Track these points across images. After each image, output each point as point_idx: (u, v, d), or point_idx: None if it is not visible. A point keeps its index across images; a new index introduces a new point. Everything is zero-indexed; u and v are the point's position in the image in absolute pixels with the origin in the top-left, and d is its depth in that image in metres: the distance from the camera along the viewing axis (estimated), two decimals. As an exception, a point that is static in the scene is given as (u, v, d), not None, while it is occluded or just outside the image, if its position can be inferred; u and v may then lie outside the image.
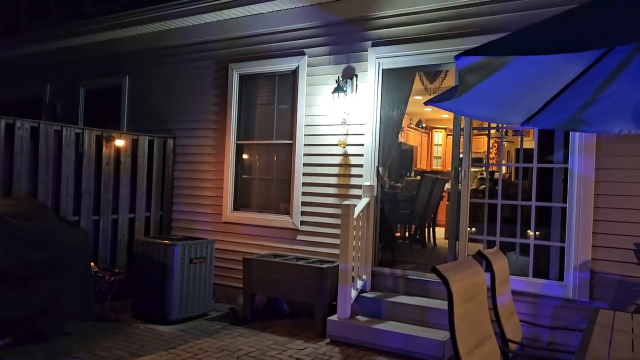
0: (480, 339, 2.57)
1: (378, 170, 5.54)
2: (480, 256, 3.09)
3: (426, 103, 2.93)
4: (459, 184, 5.21)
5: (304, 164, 5.95)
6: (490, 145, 6.18)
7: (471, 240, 5.23)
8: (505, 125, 5.26)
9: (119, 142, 6.26)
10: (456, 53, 2.10)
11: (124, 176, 6.34)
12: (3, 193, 5.13)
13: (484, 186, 6.93)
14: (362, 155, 5.57)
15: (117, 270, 5.64)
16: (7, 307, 4.19)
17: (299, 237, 5.96)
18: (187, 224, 6.80)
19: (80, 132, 5.89)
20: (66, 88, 8.20)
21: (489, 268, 3.04)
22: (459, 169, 5.22)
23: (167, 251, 5.37)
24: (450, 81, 6.15)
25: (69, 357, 4.32)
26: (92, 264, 5.16)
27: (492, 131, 5.80)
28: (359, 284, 5.25)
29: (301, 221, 5.95)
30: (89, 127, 6.05)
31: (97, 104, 7.98)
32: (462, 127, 5.26)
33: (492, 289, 3.01)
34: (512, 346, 3.03)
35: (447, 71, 6.47)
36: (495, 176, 7.62)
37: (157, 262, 5.42)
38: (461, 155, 5.26)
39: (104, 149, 6.11)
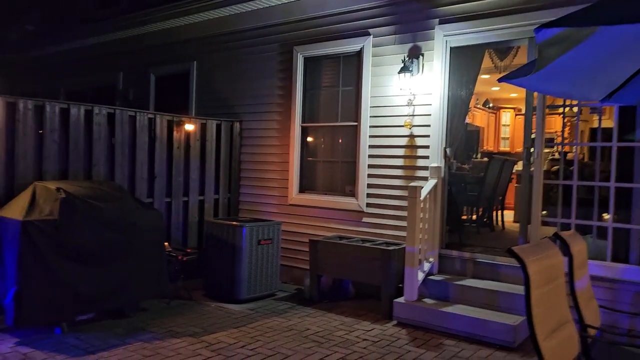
0: (557, 323, 2.47)
1: (445, 151, 5.42)
2: (556, 238, 2.96)
3: (500, 80, 2.81)
4: (531, 165, 5.00)
5: (369, 145, 5.91)
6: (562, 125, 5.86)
7: (544, 223, 5.03)
8: (582, 102, 4.97)
9: (189, 127, 6.46)
10: (529, 27, 2.00)
11: (194, 159, 6.56)
12: (84, 176, 5.45)
13: (556, 167, 6.63)
14: (428, 136, 5.46)
15: (189, 250, 5.87)
16: (89, 284, 4.47)
17: (365, 219, 5.95)
18: (253, 206, 6.96)
19: (153, 117, 6.13)
20: (138, 75, 8.55)
21: (566, 251, 2.91)
22: (531, 149, 5.00)
23: (236, 232, 5.52)
24: (521, 58, 5.87)
25: (146, 332, 4.56)
26: (166, 244, 5.39)
27: (567, 109, 5.50)
28: (426, 266, 5.19)
29: (367, 203, 5.93)
30: (161, 113, 6.28)
31: (166, 89, 8.27)
32: (534, 105, 5.02)
33: (570, 273, 2.88)
34: (591, 332, 2.89)
35: (519, 48, 6.17)
36: (568, 157, 7.25)
37: (227, 243, 5.59)
38: (533, 136, 5.03)
39: (174, 133, 6.33)
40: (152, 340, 4.34)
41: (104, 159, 5.62)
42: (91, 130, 5.50)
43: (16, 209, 4.38)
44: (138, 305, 5.05)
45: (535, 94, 4.91)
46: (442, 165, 5.41)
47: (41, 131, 5.12)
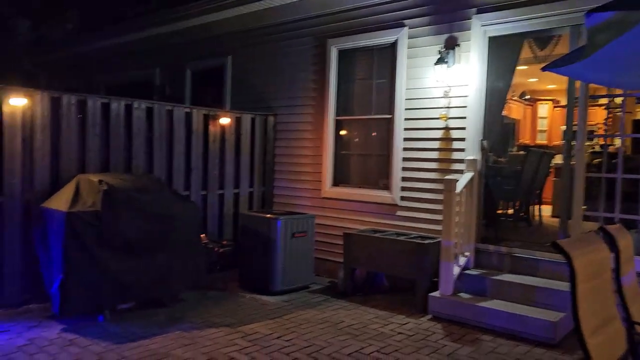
0: (603, 319, 2.41)
1: (482, 144, 5.32)
2: (602, 232, 2.87)
3: (544, 68, 2.73)
4: (572, 158, 4.87)
5: (403, 138, 5.86)
6: (604, 117, 5.68)
7: (585, 218, 4.89)
8: (627, 92, 4.80)
9: (224, 120, 6.54)
10: (572, 15, 1.94)
11: (229, 153, 6.64)
12: (124, 169, 5.58)
13: (597, 160, 6.43)
14: (464, 128, 5.37)
15: (224, 242, 5.95)
16: (130, 273, 4.58)
17: (399, 213, 5.91)
18: (287, 199, 7.00)
19: (189, 111, 6.22)
20: (174, 70, 8.69)
21: (612, 245, 2.82)
22: (572, 142, 4.86)
23: (271, 225, 5.57)
24: (563, 48, 5.69)
25: (184, 321, 4.65)
26: (202, 235, 5.48)
27: (610, 100, 5.32)
28: (462, 260, 5.12)
29: (401, 196, 5.89)
30: (197, 107, 6.37)
31: (202, 84, 8.38)
32: (576, 96, 4.87)
33: (617, 268, 2.79)
34: (639, 329, 2.80)
35: (560, 37, 5.99)
36: (609, 150, 7.02)
37: (261, 236, 5.64)
38: (574, 128, 4.89)
39: (210, 127, 6.42)
40: (190, 329, 4.43)
41: (142, 152, 5.74)
42: (131, 124, 5.62)
43: (61, 201, 4.52)
44: (176, 296, 5.15)
45: (578, 83, 4.77)
46: (479, 158, 5.32)
47: (80, 115, 5.25)
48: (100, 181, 4.61)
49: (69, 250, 4.26)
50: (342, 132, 6.62)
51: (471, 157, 5.26)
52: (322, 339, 4.31)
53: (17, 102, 4.74)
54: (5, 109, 4.71)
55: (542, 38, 6.31)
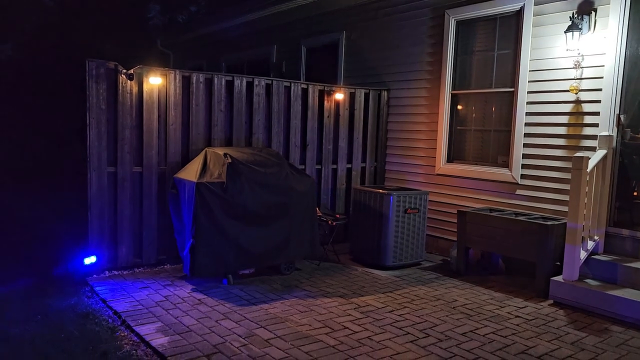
0: None
1: (619, 118, 4.85)
2: None
3: None
4: None
5: (526, 112, 5.52)
6: None
7: None
8: None
9: (339, 96, 6.61)
10: None
11: (343, 128, 6.72)
12: (245, 143, 5.89)
13: None
14: (599, 101, 4.92)
15: (338, 215, 6.08)
16: (251, 241, 4.87)
17: (519, 192, 5.62)
18: (399, 175, 6.95)
19: (306, 87, 6.37)
20: (290, 47, 8.92)
21: None
22: None
23: (384, 200, 5.59)
24: None
25: (300, 289, 4.86)
26: (316, 208, 5.65)
27: None
28: (590, 245, 4.76)
29: (521, 174, 5.58)
30: (313, 83, 6.50)
31: (316, 60, 8.53)
32: None
33: None
34: None
35: None
36: None
37: (374, 210, 5.68)
38: None
39: (325, 102, 6.53)
40: (305, 297, 4.62)
41: (262, 127, 6.01)
42: (251, 100, 5.89)
43: (191, 172, 4.90)
44: (292, 265, 5.39)
45: None
46: (614, 134, 4.86)
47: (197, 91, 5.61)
48: (225, 154, 4.91)
49: (199, 217, 4.62)
50: (459, 107, 6.39)
51: (605, 133, 4.82)
52: (435, 316, 4.28)
53: (155, 81, 5.17)
54: (145, 87, 5.17)
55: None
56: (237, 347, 3.52)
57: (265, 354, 3.43)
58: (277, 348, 3.53)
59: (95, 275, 4.99)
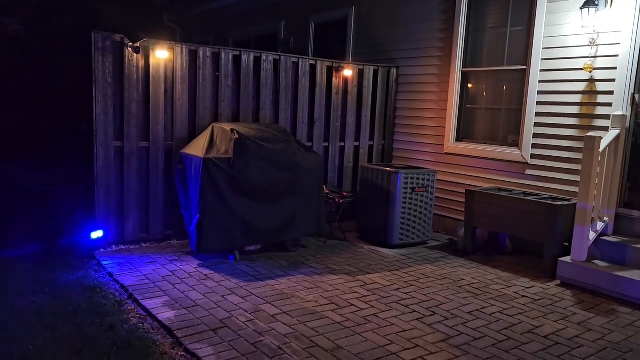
0: None
1: (634, 98, 4.75)
2: None
3: None
4: None
5: (538, 91, 5.43)
6: None
7: None
8: None
9: (347, 73, 6.51)
10: None
11: (351, 105, 6.64)
12: (252, 119, 5.84)
13: None
14: (614, 80, 4.82)
15: (344, 193, 6.05)
16: (258, 217, 4.86)
17: (528, 172, 5.56)
18: (407, 154, 6.89)
19: (314, 63, 6.28)
20: (298, 23, 8.79)
21: None
22: None
23: (391, 179, 5.54)
24: None
25: (306, 266, 4.86)
26: (324, 186, 5.62)
27: None
28: (599, 225, 4.72)
29: (531, 154, 5.51)
30: (321, 59, 6.40)
31: (324, 36, 8.40)
32: None
33: None
34: None
35: None
36: None
37: (381, 189, 5.64)
38: None
39: (333, 79, 6.44)
40: (311, 274, 4.62)
41: (270, 103, 5.94)
42: (259, 76, 5.82)
43: (198, 147, 4.87)
44: (299, 242, 5.38)
45: None
46: (628, 113, 4.77)
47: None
48: (232, 130, 4.87)
49: (205, 193, 4.60)
50: (469, 85, 6.29)
51: (619, 113, 4.74)
52: (441, 294, 4.27)
53: (161, 54, 5.11)
54: (152, 60, 5.10)
55: None
56: (243, 322, 3.53)
57: (271, 329, 3.43)
58: (283, 324, 3.54)
59: (102, 250, 5.01)
